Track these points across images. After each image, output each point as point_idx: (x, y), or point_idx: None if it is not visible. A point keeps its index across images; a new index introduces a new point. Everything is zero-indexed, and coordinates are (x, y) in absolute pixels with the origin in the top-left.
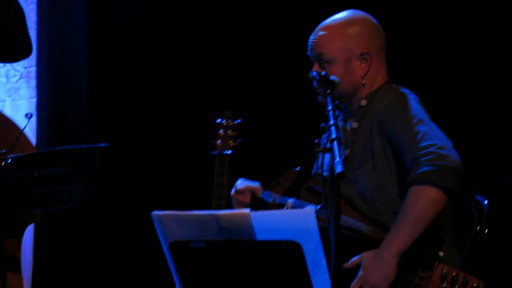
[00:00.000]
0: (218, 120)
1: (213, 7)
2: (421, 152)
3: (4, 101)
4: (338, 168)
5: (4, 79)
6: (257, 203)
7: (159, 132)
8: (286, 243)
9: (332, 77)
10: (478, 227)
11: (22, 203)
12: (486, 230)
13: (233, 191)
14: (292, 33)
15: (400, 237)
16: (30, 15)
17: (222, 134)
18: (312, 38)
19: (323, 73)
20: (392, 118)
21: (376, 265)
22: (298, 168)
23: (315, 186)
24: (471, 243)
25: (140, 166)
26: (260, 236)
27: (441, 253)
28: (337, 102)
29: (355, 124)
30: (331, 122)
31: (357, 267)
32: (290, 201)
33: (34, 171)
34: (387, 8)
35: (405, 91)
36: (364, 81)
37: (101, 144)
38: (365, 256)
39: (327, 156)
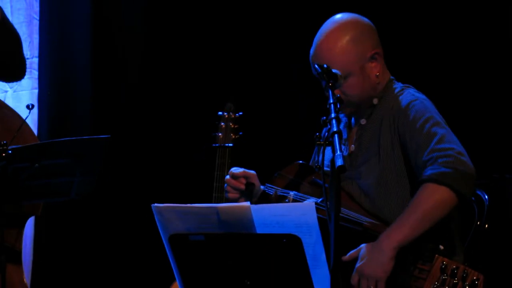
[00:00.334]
0: (220, 113)
1: (216, 2)
2: (439, 153)
3: (6, 91)
4: (339, 162)
5: None
6: (251, 190)
7: (161, 124)
8: (285, 237)
9: (335, 70)
10: (478, 222)
11: (22, 194)
12: (486, 225)
13: (228, 176)
14: (292, 26)
15: (403, 229)
16: (33, 6)
17: (224, 126)
18: (317, 60)
19: (325, 65)
20: (409, 117)
21: (373, 256)
22: (300, 161)
23: (318, 179)
24: (471, 237)
25: (141, 158)
26: (260, 229)
27: (441, 246)
28: (338, 96)
29: (363, 121)
30: (332, 115)
31: (356, 260)
32: (292, 193)
33: (34, 162)
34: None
35: (413, 91)
36: (378, 80)
37: (102, 136)
38: (363, 248)
39: (328, 150)
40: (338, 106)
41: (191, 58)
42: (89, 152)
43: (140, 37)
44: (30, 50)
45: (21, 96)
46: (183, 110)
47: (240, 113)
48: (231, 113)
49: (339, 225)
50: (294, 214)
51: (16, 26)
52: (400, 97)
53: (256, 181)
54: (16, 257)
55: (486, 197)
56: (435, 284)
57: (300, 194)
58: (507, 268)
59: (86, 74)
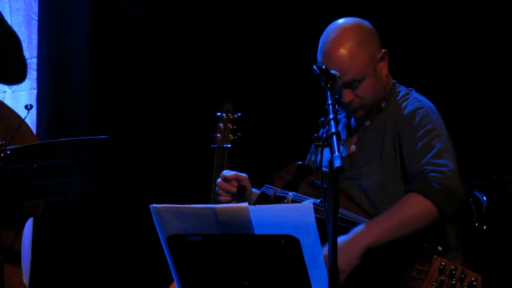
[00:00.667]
0: (218, 114)
1: (216, 2)
2: (433, 168)
3: (5, 92)
4: (337, 163)
5: None
6: (242, 192)
7: (159, 125)
8: (283, 237)
9: (333, 72)
10: (477, 223)
11: (21, 194)
12: (485, 226)
13: (219, 179)
14: (291, 26)
15: (377, 232)
16: (32, 6)
17: (222, 127)
18: (331, 67)
19: (323, 66)
20: (411, 125)
21: (343, 248)
22: (299, 162)
23: (316, 180)
24: (470, 238)
25: (139, 159)
26: (258, 230)
27: (439, 247)
28: (336, 96)
29: (368, 123)
30: (331, 116)
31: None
32: (291, 194)
33: (33, 162)
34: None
35: (426, 100)
36: (388, 80)
37: (101, 136)
38: (340, 237)
39: (326, 150)
40: (337, 107)
41: (190, 58)
42: (88, 152)
43: (139, 38)
44: (29, 50)
45: (20, 96)
46: (181, 111)
47: (239, 114)
48: (229, 114)
49: (337, 226)
50: (292, 215)
51: (15, 27)
52: (405, 102)
53: (247, 184)
54: (15, 258)
55: (485, 198)
56: (433, 285)
57: (299, 194)
58: (506, 269)
59: (85, 74)
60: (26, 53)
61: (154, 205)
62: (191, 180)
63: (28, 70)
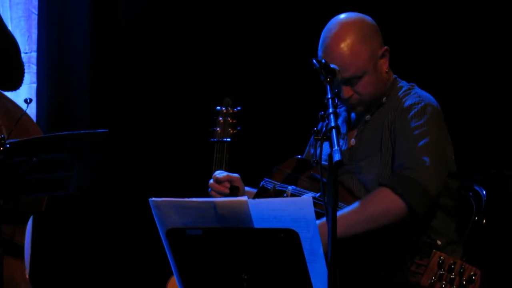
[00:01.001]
0: (218, 108)
1: None
2: (409, 164)
3: None
4: (336, 157)
5: None
6: (235, 193)
7: (159, 119)
8: (283, 231)
9: (333, 66)
10: (476, 218)
11: (20, 188)
12: (484, 221)
13: (211, 181)
14: (291, 20)
15: (344, 227)
16: (32, 0)
17: (222, 121)
18: (332, 63)
19: (323, 61)
20: (405, 119)
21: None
22: (299, 156)
23: (316, 174)
24: (469, 233)
25: (139, 153)
26: (257, 224)
27: (438, 241)
28: (336, 90)
29: (368, 117)
30: (330, 110)
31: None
32: (290, 188)
33: (33, 156)
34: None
35: (426, 95)
36: (388, 76)
37: (100, 130)
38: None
39: (326, 144)
40: (336, 101)
41: (190, 53)
42: (87, 146)
43: (139, 32)
44: (29, 44)
45: (19, 90)
46: (181, 105)
47: (238, 108)
48: (229, 108)
49: (336, 220)
50: (291, 209)
51: (15, 21)
52: (406, 97)
53: (240, 184)
54: (18, 252)
55: (484, 192)
56: (432, 279)
57: (298, 188)
58: (505, 263)
59: (85, 68)
60: (26, 47)
61: (153, 198)
62: (191, 174)
63: (28, 64)
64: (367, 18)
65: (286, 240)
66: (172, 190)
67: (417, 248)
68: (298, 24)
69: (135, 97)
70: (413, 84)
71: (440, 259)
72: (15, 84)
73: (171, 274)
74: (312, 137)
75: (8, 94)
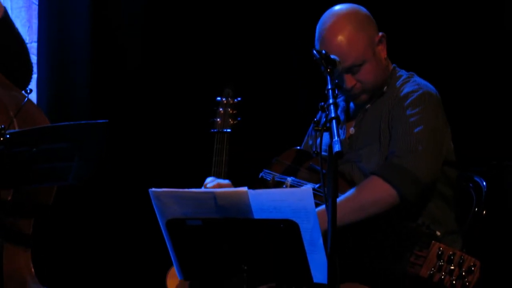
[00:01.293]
0: (218, 98)
1: None
2: (400, 152)
3: None
4: (336, 147)
5: None
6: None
7: (159, 109)
8: (283, 222)
9: (333, 56)
10: (477, 209)
11: (20, 179)
12: (484, 212)
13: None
14: (291, 10)
15: (337, 214)
16: None
17: (222, 112)
18: (331, 53)
19: (323, 51)
20: (402, 106)
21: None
22: (298, 147)
23: (316, 165)
24: (469, 224)
25: (139, 144)
26: (257, 215)
27: (438, 232)
28: (336, 81)
29: (367, 106)
30: (330, 101)
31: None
32: (289, 179)
33: (32, 146)
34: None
35: (425, 83)
36: (387, 63)
37: (100, 121)
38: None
39: (326, 135)
40: (337, 92)
41: (190, 44)
42: (87, 136)
43: (139, 23)
44: (29, 35)
45: None
46: (181, 95)
47: (239, 98)
48: (229, 99)
49: (336, 211)
50: (291, 200)
51: (15, 11)
52: (404, 85)
53: None
54: (25, 241)
55: (484, 183)
56: (432, 270)
57: (297, 179)
58: (504, 254)
59: (85, 58)
60: (27, 38)
61: (153, 189)
62: (191, 164)
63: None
64: (360, 8)
65: (286, 231)
66: (172, 180)
67: (416, 239)
68: (298, 14)
69: (135, 88)
70: (412, 73)
71: (440, 250)
72: (25, 83)
73: (171, 265)
74: (311, 127)
75: None
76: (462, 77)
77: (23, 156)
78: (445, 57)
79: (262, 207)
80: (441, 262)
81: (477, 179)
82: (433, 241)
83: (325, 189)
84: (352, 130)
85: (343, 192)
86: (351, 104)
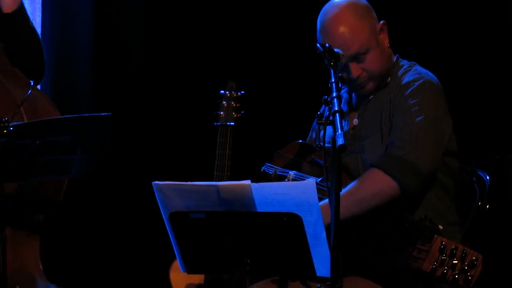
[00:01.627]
0: (222, 92)
1: None
2: (400, 143)
3: None
4: (340, 141)
5: None
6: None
7: (163, 102)
8: (286, 215)
9: (337, 50)
10: (480, 203)
11: (24, 171)
12: (488, 206)
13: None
14: (295, 3)
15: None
16: None
17: (225, 105)
18: (335, 43)
19: (327, 45)
20: (403, 95)
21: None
22: (300, 141)
23: (318, 159)
24: (473, 217)
25: (142, 136)
26: (260, 208)
27: (440, 226)
28: (340, 74)
29: (370, 97)
30: (334, 94)
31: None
32: (292, 173)
33: (35, 139)
34: None
35: (426, 72)
36: (390, 51)
37: (103, 114)
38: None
39: (329, 129)
40: (340, 85)
41: (194, 37)
42: (90, 129)
43: (142, 17)
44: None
45: None
46: (185, 89)
47: (242, 92)
48: (233, 92)
49: (339, 204)
50: (294, 193)
51: None
52: (405, 75)
53: None
54: (33, 237)
55: (488, 177)
56: (434, 264)
57: (299, 173)
58: (507, 248)
59: (88, 51)
60: None
61: (156, 182)
62: (195, 157)
63: None
64: None
65: (289, 224)
66: (175, 173)
67: (419, 233)
68: (303, 9)
69: (139, 82)
70: (414, 62)
71: (442, 244)
72: (39, 77)
73: (174, 258)
74: (315, 121)
75: None
76: (464, 69)
77: (27, 149)
78: (447, 50)
79: (266, 200)
80: (443, 256)
81: (480, 173)
82: (435, 235)
83: (328, 182)
84: (355, 121)
85: (345, 185)
86: (354, 95)
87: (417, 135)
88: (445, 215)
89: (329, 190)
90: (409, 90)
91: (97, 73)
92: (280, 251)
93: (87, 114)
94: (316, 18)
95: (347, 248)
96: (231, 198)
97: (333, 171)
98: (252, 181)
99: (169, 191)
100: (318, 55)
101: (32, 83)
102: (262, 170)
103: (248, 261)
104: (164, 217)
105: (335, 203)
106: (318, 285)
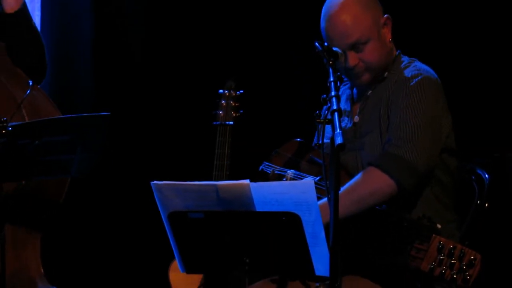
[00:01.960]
0: (221, 91)
1: None
2: (397, 141)
3: None
4: (338, 140)
5: None
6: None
7: (162, 102)
8: (285, 215)
9: (335, 48)
10: (479, 201)
11: (23, 171)
12: (487, 204)
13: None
14: (295, 4)
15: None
16: None
17: (224, 104)
18: (337, 30)
19: (325, 44)
20: (401, 92)
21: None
22: (298, 139)
23: (316, 157)
24: (472, 216)
25: (142, 136)
26: (259, 207)
27: (438, 225)
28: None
29: (369, 92)
30: (333, 93)
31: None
32: (290, 172)
33: (35, 139)
34: None
35: (426, 68)
36: (391, 46)
37: (102, 113)
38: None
39: (328, 128)
40: (339, 84)
41: (192, 35)
42: (89, 129)
43: (142, 16)
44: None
45: None
46: (184, 88)
47: (241, 91)
48: (232, 91)
49: (338, 203)
50: (293, 192)
51: None
52: (405, 71)
53: None
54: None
55: (487, 176)
56: (432, 264)
57: (298, 172)
58: (506, 247)
59: (88, 50)
60: None
61: (155, 182)
62: (193, 157)
63: None
64: None
65: (288, 224)
66: (174, 173)
67: (417, 232)
68: (301, 7)
69: (139, 81)
70: (414, 58)
71: (440, 243)
72: (40, 77)
73: (173, 258)
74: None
75: None
76: (464, 67)
77: (26, 149)
78: (448, 47)
79: (264, 200)
80: (441, 256)
81: (479, 171)
82: (433, 235)
83: (327, 182)
84: (356, 118)
85: (343, 183)
86: (355, 91)
87: (414, 133)
88: (443, 213)
89: (327, 189)
90: (408, 86)
91: (97, 72)
92: (279, 251)
93: (86, 114)
94: (314, 17)
95: (346, 247)
96: (230, 198)
97: (331, 170)
98: (251, 181)
99: (168, 191)
100: (317, 54)
101: (31, 83)
102: (260, 169)
103: (247, 260)
104: (163, 217)
105: (334, 202)
106: (317, 284)
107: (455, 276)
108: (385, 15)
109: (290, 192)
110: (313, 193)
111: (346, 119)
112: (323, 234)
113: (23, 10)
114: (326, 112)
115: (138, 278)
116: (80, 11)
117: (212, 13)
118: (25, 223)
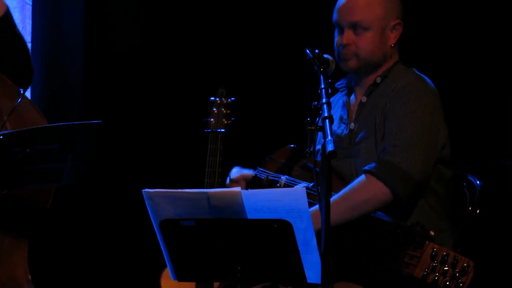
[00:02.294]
0: (212, 98)
1: None
2: (392, 149)
3: None
4: (329, 147)
5: None
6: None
7: (153, 109)
8: (276, 222)
9: (326, 56)
10: (470, 208)
11: (13, 180)
12: (478, 211)
13: (227, 180)
14: (288, 9)
15: (331, 213)
16: None
17: (216, 112)
18: (347, 3)
19: (316, 51)
20: (397, 100)
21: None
22: (292, 145)
23: (310, 163)
24: (463, 223)
25: (132, 144)
26: (250, 215)
27: (432, 232)
28: (330, 81)
29: (364, 99)
30: (324, 100)
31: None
32: (284, 178)
33: (26, 147)
34: None
35: (423, 77)
36: (391, 52)
37: (93, 121)
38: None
39: (319, 135)
40: (330, 91)
41: (184, 43)
42: (80, 137)
43: (133, 21)
44: (23, 35)
45: None
46: (175, 95)
47: (232, 98)
48: (223, 99)
49: (330, 210)
50: (285, 200)
51: None
52: (401, 78)
53: None
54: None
55: (478, 182)
56: (426, 271)
57: (291, 178)
58: (498, 254)
59: (79, 58)
60: None
61: (146, 190)
62: (185, 165)
63: None
64: None
65: (279, 231)
66: (166, 181)
67: (410, 239)
68: (294, 14)
69: (130, 88)
70: (411, 67)
71: (433, 250)
72: (26, 83)
73: (164, 266)
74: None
75: None
76: (458, 74)
77: (16, 157)
78: (443, 55)
79: (256, 207)
80: (434, 263)
81: (470, 178)
82: (426, 242)
83: (319, 188)
84: (352, 125)
85: (338, 190)
86: (352, 97)
87: (411, 142)
88: (437, 222)
89: (319, 196)
90: (404, 95)
91: (88, 79)
92: (271, 258)
93: (77, 122)
94: (305, 23)
95: (339, 254)
96: (221, 206)
97: (323, 177)
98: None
99: (159, 199)
100: (308, 61)
101: (22, 91)
102: (254, 174)
103: (239, 268)
104: (154, 224)
105: (325, 209)
106: None
107: (448, 283)
108: (398, 21)
109: (281, 199)
110: (304, 201)
111: (342, 125)
112: (314, 241)
113: (7, 17)
114: (317, 119)
115: (130, 286)
116: (71, 19)
117: (204, 21)
118: (11, 230)
